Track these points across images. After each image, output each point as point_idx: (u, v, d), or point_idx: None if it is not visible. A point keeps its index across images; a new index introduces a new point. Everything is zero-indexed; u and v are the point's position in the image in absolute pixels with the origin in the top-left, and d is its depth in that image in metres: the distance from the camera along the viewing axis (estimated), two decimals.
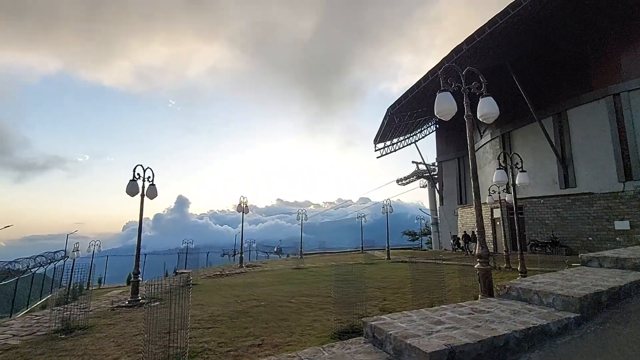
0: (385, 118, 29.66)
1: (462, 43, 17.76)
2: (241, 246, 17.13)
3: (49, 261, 17.01)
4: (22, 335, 6.23)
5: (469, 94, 5.59)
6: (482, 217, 5.29)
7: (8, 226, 21.05)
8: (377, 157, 36.37)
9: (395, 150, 37.23)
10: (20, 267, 14.54)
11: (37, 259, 16.16)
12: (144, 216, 9.48)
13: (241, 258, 16.80)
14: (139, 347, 5.57)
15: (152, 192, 9.86)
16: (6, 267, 14.48)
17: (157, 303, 9.02)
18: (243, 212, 17.08)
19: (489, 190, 18.01)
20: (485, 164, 28.15)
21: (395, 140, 36.79)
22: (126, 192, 9.23)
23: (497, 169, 10.90)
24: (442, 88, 5.33)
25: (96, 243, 19.54)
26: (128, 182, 9.27)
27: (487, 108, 5.36)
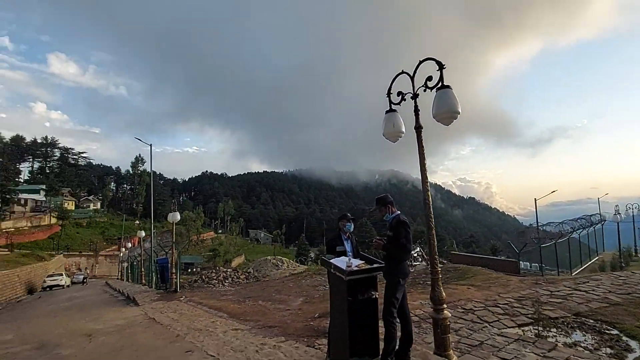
0: None
1: None
2: None
3: (589, 224, 17.35)
4: (618, 293, 6.34)
5: None
6: None
7: (554, 191, 24.42)
8: None
9: None
10: (563, 229, 15.94)
11: (578, 221, 16.99)
12: None
13: None
14: None
15: None
16: (556, 228, 16.57)
17: None
18: None
19: None
20: None
21: None
22: None
23: None
24: None
25: (634, 206, 17.28)
26: None
27: None
